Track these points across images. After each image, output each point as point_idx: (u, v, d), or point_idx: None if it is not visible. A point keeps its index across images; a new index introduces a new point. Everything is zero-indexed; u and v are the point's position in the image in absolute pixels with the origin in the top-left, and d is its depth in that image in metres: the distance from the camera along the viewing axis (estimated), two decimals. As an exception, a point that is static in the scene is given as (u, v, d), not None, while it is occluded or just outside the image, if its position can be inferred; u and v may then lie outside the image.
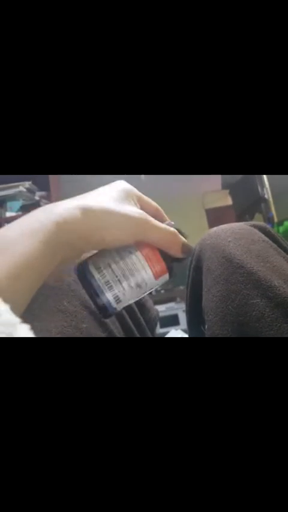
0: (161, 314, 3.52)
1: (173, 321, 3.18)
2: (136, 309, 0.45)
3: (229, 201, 3.00)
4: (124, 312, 0.42)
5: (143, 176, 2.96)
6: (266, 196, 2.22)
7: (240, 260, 0.36)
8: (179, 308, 3.03)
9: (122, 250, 0.28)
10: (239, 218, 2.70)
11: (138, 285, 0.28)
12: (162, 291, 3.52)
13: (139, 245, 0.29)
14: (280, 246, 0.42)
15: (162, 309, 3.33)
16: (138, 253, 0.28)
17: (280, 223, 2.09)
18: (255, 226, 0.43)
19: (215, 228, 0.43)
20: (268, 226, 0.45)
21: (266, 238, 0.41)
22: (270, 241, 0.41)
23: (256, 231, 0.42)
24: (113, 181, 0.29)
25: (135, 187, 0.27)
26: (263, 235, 0.42)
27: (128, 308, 0.43)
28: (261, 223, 0.44)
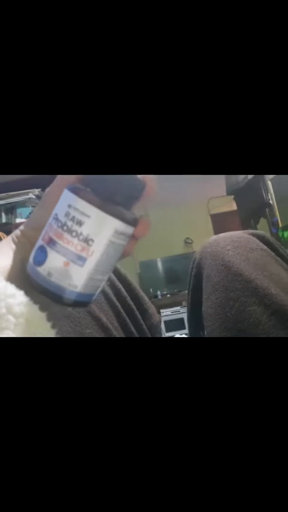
0: (166, 318, 3.48)
1: (178, 325, 3.18)
2: (139, 316, 0.45)
3: (234, 207, 3.01)
4: (127, 319, 0.43)
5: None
6: (270, 201, 2.23)
7: (238, 268, 0.37)
8: (184, 312, 3.03)
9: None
10: (244, 223, 2.71)
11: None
12: (168, 295, 3.52)
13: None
14: (278, 254, 0.43)
15: (167, 313, 3.33)
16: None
17: (285, 228, 2.10)
18: (253, 235, 0.45)
19: (215, 236, 0.44)
20: (266, 235, 0.46)
21: (265, 247, 0.43)
22: (269, 249, 0.42)
23: (255, 239, 0.43)
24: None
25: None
26: (261, 243, 0.43)
27: (131, 315, 0.44)
28: (260, 232, 0.46)
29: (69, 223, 0.21)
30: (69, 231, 0.21)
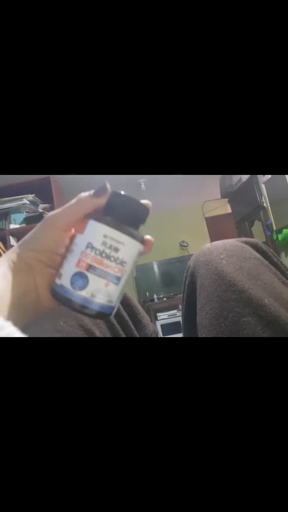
0: (163, 322, 3.47)
1: (175, 328, 3.18)
2: (133, 327, 0.45)
3: (228, 209, 3.03)
4: (121, 331, 0.42)
5: (143, 186, 2.99)
6: (264, 204, 2.24)
7: (232, 278, 0.37)
8: (181, 315, 3.02)
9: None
10: (238, 226, 2.73)
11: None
12: (165, 299, 3.52)
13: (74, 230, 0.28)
14: (272, 262, 0.43)
15: (164, 317, 3.33)
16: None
17: (279, 230, 2.11)
18: (247, 243, 0.44)
19: (208, 245, 0.43)
20: (260, 243, 0.46)
21: (258, 255, 0.42)
22: (262, 258, 0.42)
23: (248, 247, 0.43)
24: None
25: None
26: (254, 252, 0.43)
27: (124, 326, 0.44)
28: (254, 240, 0.45)
29: (108, 251, 0.25)
30: (108, 257, 0.25)
